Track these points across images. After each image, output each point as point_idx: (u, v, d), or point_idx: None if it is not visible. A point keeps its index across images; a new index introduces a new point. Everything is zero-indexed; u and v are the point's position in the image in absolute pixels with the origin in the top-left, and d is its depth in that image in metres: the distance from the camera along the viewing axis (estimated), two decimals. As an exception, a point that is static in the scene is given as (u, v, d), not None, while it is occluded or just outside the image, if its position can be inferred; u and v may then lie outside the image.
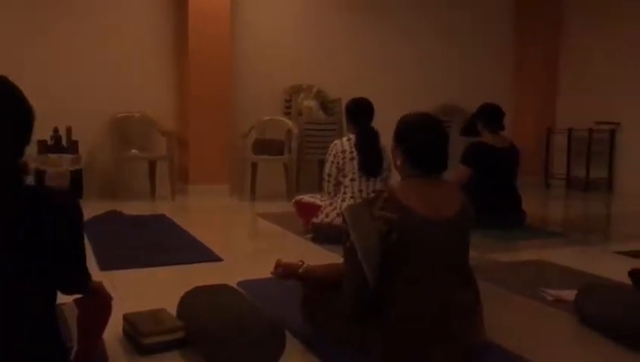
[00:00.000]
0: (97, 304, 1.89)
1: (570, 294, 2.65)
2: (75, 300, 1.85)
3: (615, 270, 3.10)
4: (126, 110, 5.84)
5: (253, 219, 5.15)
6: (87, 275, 1.76)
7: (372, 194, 2.10)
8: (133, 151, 5.77)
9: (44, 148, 5.22)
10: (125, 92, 5.90)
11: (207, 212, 5.40)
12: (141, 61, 6.05)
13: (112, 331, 2.13)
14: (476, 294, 2.11)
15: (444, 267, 2.02)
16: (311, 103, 6.43)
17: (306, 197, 4.23)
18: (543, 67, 7.67)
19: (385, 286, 1.99)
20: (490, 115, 4.61)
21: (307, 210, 4.14)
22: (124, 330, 2.20)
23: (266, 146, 6.00)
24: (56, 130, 5.27)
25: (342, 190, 3.96)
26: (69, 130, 5.38)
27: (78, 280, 1.73)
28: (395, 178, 2.67)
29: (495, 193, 4.45)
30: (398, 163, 2.12)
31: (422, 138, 2.08)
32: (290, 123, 6.18)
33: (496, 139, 4.61)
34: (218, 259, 3.47)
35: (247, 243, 4.29)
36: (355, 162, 3.89)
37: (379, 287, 1.98)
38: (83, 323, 1.80)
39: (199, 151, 6.00)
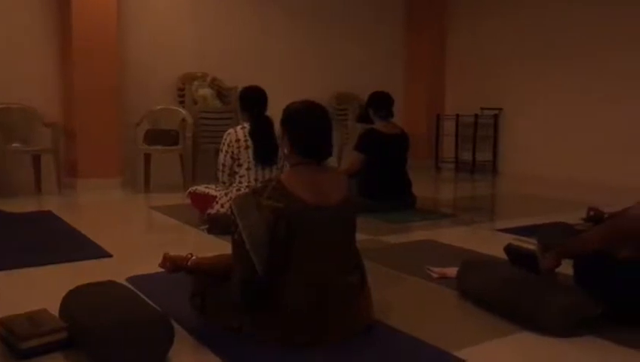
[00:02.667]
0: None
1: (453, 271, 2.80)
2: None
3: (497, 246, 3.31)
4: (5, 101, 5.45)
5: (147, 213, 5.00)
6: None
7: (259, 184, 2.11)
8: (14, 144, 5.40)
9: None
10: (3, 83, 5.49)
11: (98, 207, 5.17)
12: (20, 50, 5.65)
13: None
14: (363, 277, 2.18)
15: (330, 253, 2.08)
16: (206, 92, 6.30)
17: (201, 188, 4.16)
18: (432, 56, 7.99)
19: (274, 273, 2.01)
20: (380, 103, 4.75)
21: (202, 201, 4.07)
22: (0, 335, 2.07)
23: (159, 136, 5.82)
24: None
25: (237, 179, 3.93)
26: (-63, 124, 4.95)
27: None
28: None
29: (387, 178, 4.61)
30: (286, 151, 2.14)
31: (306, 126, 2.11)
32: (184, 112, 6.03)
33: (387, 126, 4.76)
34: (107, 256, 3.34)
35: (140, 238, 4.16)
36: (250, 151, 3.88)
37: (268, 275, 2.00)
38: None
39: (88, 143, 5.72)
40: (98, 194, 5.53)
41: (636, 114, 5.92)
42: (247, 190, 3.74)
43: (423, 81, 7.97)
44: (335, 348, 2.02)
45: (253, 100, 3.96)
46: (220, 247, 3.43)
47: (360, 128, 5.90)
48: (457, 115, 7.74)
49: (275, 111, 4.00)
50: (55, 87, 5.86)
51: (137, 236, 4.19)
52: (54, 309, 2.18)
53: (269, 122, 3.93)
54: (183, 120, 5.97)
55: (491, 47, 7.53)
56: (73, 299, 2.16)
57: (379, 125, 4.76)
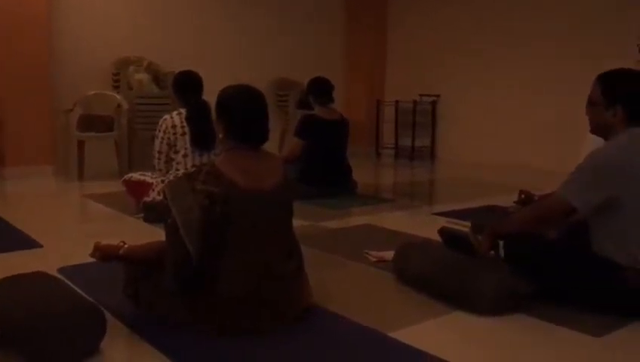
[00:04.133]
0: None
1: (390, 254, 2.84)
2: None
3: (433, 230, 3.37)
4: None
5: (81, 201, 4.83)
6: None
7: (193, 169, 2.06)
8: None
9: None
10: None
11: (27, 196, 4.95)
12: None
13: None
14: (300, 263, 2.18)
15: (266, 238, 2.06)
16: (142, 76, 6.12)
17: (136, 176, 4.05)
18: (373, 43, 8.04)
19: (209, 259, 1.98)
20: (320, 89, 4.75)
21: (137, 189, 3.97)
22: None
23: (93, 123, 5.62)
24: None
25: (174, 166, 3.85)
26: None
27: None
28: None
29: (327, 163, 4.63)
30: (220, 136, 2.10)
31: (241, 110, 2.08)
32: (119, 97, 5.85)
33: (326, 111, 4.76)
34: (37, 246, 3.21)
35: (73, 228, 4.01)
36: (187, 137, 3.79)
37: (204, 260, 1.97)
38: None
39: (15, 130, 5.46)
40: (28, 183, 5.31)
41: (566, 101, 6.16)
42: (179, 175, 3.70)
43: (364, 67, 8.01)
44: (273, 335, 2.01)
45: (188, 85, 3.87)
46: (156, 236, 3.33)
47: (300, 114, 5.89)
48: (397, 102, 7.84)
49: (213, 96, 3.94)
50: (-21, 71, 5.56)
51: (70, 225, 4.04)
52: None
53: (205, 107, 3.85)
54: (118, 105, 5.79)
55: (431, 35, 7.65)
56: (0, 291, 2.06)
57: (319, 111, 4.76)
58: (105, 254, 2.16)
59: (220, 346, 1.94)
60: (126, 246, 2.17)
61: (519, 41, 6.74)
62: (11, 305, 1.93)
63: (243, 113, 2.08)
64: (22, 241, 3.29)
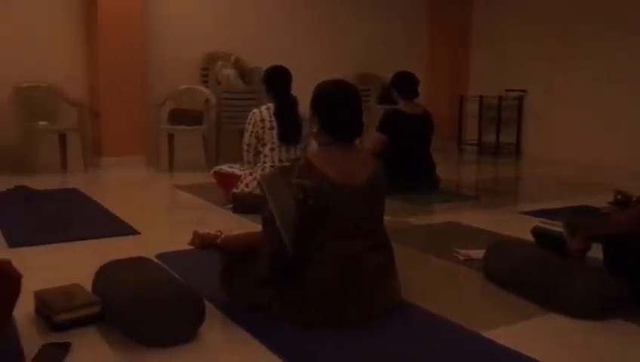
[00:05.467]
0: (2, 282, 1.81)
1: (478, 253, 2.80)
2: (-21, 279, 1.76)
3: (521, 229, 3.30)
4: (32, 80, 5.51)
5: (171, 191, 5.05)
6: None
7: (287, 163, 2.12)
8: (41, 123, 5.47)
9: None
10: (31, 61, 5.55)
11: (123, 185, 5.24)
12: (46, 29, 5.70)
13: (24, 310, 2.06)
14: (390, 257, 2.19)
15: (357, 231, 2.09)
16: (229, 72, 6.31)
17: (225, 168, 4.19)
18: (457, 36, 7.89)
19: (302, 250, 2.03)
20: (404, 83, 4.72)
21: (227, 181, 4.10)
22: (35, 308, 2.12)
23: (182, 116, 5.85)
24: (-48, 102, 4.91)
25: (261, 159, 3.95)
26: (-33, 102, 5.03)
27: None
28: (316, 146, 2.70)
29: (410, 159, 4.59)
30: (315, 130, 2.14)
31: (336, 106, 2.11)
32: (207, 92, 6.05)
33: (410, 106, 4.73)
34: (135, 233, 3.39)
35: (166, 216, 4.21)
36: (275, 131, 3.88)
37: (297, 251, 2.02)
38: (-11, 302, 1.72)
39: (112, 122, 5.77)
40: (122, 172, 5.60)
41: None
42: (275, 169, 3.81)
43: (446, 61, 7.88)
44: (362, 328, 2.04)
45: (277, 80, 3.96)
46: (244, 226, 3.48)
47: (381, 109, 5.88)
48: (481, 97, 7.66)
49: (297, 91, 4.02)
50: (81, 67, 5.92)
51: (163, 214, 4.25)
52: (85, 284, 2.22)
53: (293, 102, 3.93)
54: (207, 100, 5.99)
55: (518, 27, 7.40)
56: (105, 274, 2.21)
57: (402, 105, 4.73)
58: (203, 242, 2.25)
59: (311, 336, 1.99)
60: (223, 235, 2.26)
61: (615, 33, 6.40)
62: (117, 288, 2.06)
63: (337, 108, 2.11)
64: (121, 228, 3.49)
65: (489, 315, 2.27)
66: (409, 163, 4.58)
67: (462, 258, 2.90)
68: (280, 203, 1.99)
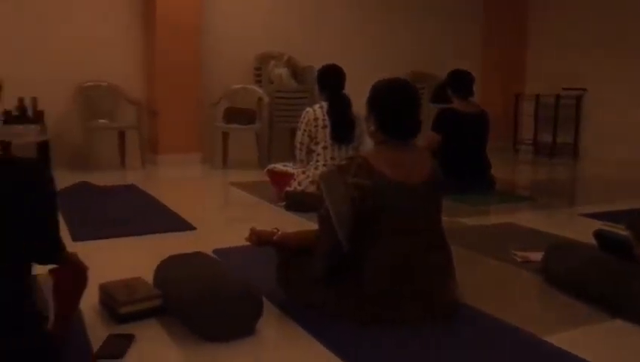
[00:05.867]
0: (72, 274, 1.89)
1: (537, 255, 2.73)
2: (50, 270, 1.84)
3: (580, 232, 3.21)
4: (93, 79, 5.71)
5: (226, 188, 5.14)
6: (61, 246, 1.75)
7: (344, 161, 2.12)
8: (101, 120, 5.67)
9: (8, 119, 5.09)
10: (92, 61, 5.75)
11: (179, 181, 5.36)
12: (108, 29, 5.89)
13: (89, 301, 2.13)
14: (448, 257, 2.17)
15: (413, 230, 2.07)
16: (282, 71, 6.36)
17: (279, 166, 4.24)
18: (512, 33, 7.72)
19: (357, 249, 2.03)
20: (460, 81, 4.65)
21: (280, 179, 4.15)
22: (100, 300, 2.20)
23: (236, 115, 5.94)
24: (21, 101, 5.12)
25: (314, 158, 3.97)
26: (34, 101, 5.24)
27: (52, 251, 1.73)
28: (368, 145, 2.69)
29: (465, 158, 4.52)
30: (371, 129, 2.14)
31: (393, 104, 2.10)
32: (260, 91, 6.12)
33: (466, 105, 4.66)
34: (192, 228, 3.47)
35: (220, 212, 4.29)
36: (328, 130, 3.90)
37: (351, 251, 2.03)
38: (58, 293, 1.79)
39: (169, 120, 5.92)
40: (178, 169, 5.73)
41: None
42: (323, 168, 3.83)
43: (502, 58, 7.71)
44: (418, 327, 2.03)
45: (331, 79, 3.97)
46: (297, 224, 3.51)
47: (435, 108, 5.81)
48: (537, 96, 7.47)
49: (349, 90, 4.02)
50: (139, 66, 6.08)
51: (218, 210, 4.33)
52: (146, 277, 2.29)
53: (346, 101, 3.93)
54: (260, 99, 6.06)
55: (577, 23, 7.18)
56: (166, 268, 2.27)
57: (458, 104, 4.67)
58: (260, 239, 2.28)
59: (367, 335, 1.99)
60: (280, 232, 2.29)
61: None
62: (178, 282, 2.12)
63: (395, 107, 2.10)
64: (178, 223, 3.57)
65: (548, 319, 2.21)
66: (464, 163, 4.51)
67: (519, 260, 2.84)
68: (336, 201, 2.00)
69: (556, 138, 7.25)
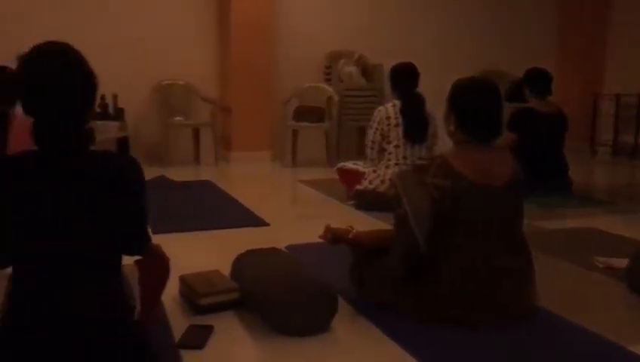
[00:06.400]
0: (157, 265, 1.96)
1: (620, 262, 2.62)
2: (136, 261, 1.91)
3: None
4: (170, 78, 5.91)
5: (295, 186, 5.20)
6: (148, 238, 1.83)
7: (423, 161, 2.11)
8: (177, 118, 5.86)
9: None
10: (169, 60, 5.96)
11: (250, 178, 5.47)
12: (184, 29, 6.09)
13: (168, 292, 2.20)
14: (528, 260, 2.11)
15: (495, 233, 2.03)
16: (352, 69, 6.37)
17: (349, 164, 4.25)
18: (590, 30, 7.40)
19: (435, 250, 2.01)
20: (538, 80, 4.52)
21: (350, 177, 4.15)
22: (180, 291, 2.27)
23: (306, 113, 6.00)
24: (102, 98, 5.37)
25: (386, 157, 3.95)
26: (115, 98, 5.49)
27: (141, 243, 1.80)
28: (443, 145, 2.65)
29: (542, 159, 4.38)
30: (451, 129, 2.11)
31: (474, 104, 2.07)
32: (330, 90, 6.15)
33: (542, 104, 4.52)
34: (265, 224, 3.53)
35: (291, 209, 4.35)
36: (400, 128, 3.87)
37: (429, 252, 2.01)
38: (144, 284, 1.86)
39: (241, 118, 6.05)
40: (249, 166, 5.84)
41: None
42: (395, 167, 3.81)
43: (579, 56, 7.41)
44: (496, 331, 1.98)
45: (404, 77, 3.94)
46: (367, 223, 3.51)
47: (509, 107, 5.64)
48: (617, 95, 7.13)
49: (420, 88, 3.97)
50: (214, 65, 6.25)
51: (289, 207, 4.39)
52: (222, 270, 2.35)
53: (420, 99, 3.89)
54: (330, 97, 6.09)
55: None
56: (243, 262, 2.32)
57: (535, 104, 4.53)
58: (335, 237, 2.29)
59: (443, 336, 1.97)
60: (354, 231, 2.29)
61: None
62: (255, 276, 2.16)
63: (476, 106, 2.06)
64: (252, 219, 3.65)
65: (633, 328, 2.11)
66: (540, 164, 4.36)
67: (602, 266, 2.73)
68: (414, 201, 1.98)
69: (638, 139, 6.89)
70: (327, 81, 6.41)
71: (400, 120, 3.88)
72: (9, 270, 1.61)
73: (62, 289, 1.54)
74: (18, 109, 3.19)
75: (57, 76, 1.56)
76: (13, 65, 1.64)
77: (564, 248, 3.09)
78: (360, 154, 6.32)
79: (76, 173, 1.56)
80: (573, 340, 1.98)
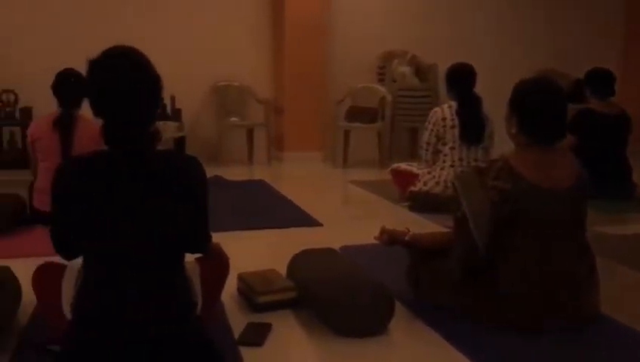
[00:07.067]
0: (217, 263, 2.01)
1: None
2: (197, 259, 1.97)
3: None
4: (226, 79, 6.02)
5: (348, 186, 5.19)
6: (210, 236, 1.87)
7: (484, 163, 2.08)
8: (233, 118, 5.96)
9: (150, 115, 5.49)
10: (225, 61, 6.06)
11: (302, 178, 5.51)
12: (239, 31, 6.18)
13: (226, 290, 2.24)
14: (591, 265, 2.06)
15: (556, 237, 1.99)
16: (405, 69, 6.33)
17: (403, 166, 4.22)
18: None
19: (495, 254, 1.98)
20: (601, 81, 4.38)
21: (404, 178, 4.13)
22: (238, 289, 2.32)
23: (359, 114, 5.99)
24: (161, 99, 5.50)
25: (441, 158, 3.91)
26: (172, 99, 5.63)
27: (203, 242, 1.85)
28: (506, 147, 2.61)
29: (603, 162, 4.23)
30: (513, 131, 2.07)
31: (539, 106, 2.02)
32: (383, 90, 6.12)
33: (604, 105, 4.38)
34: (319, 224, 3.55)
35: (343, 210, 4.35)
36: (456, 130, 3.82)
37: (488, 255, 1.98)
38: (205, 281, 1.91)
39: (294, 118, 6.09)
40: (301, 166, 5.87)
41: None
42: (450, 169, 3.77)
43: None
44: (558, 335, 1.94)
45: (461, 78, 3.88)
46: (420, 224, 3.48)
47: (570, 108, 5.49)
48: (685, 95, 6.83)
49: (476, 88, 3.91)
50: (268, 66, 6.32)
51: (341, 208, 4.40)
52: (279, 270, 2.38)
53: (477, 100, 3.84)
54: (383, 98, 6.07)
55: None
56: (300, 262, 2.35)
57: (596, 105, 4.39)
58: (392, 238, 2.29)
59: (503, 340, 1.94)
60: (411, 232, 2.28)
61: None
62: (312, 276, 2.19)
63: (540, 108, 2.02)
64: (305, 219, 3.68)
65: None
66: (601, 166, 4.21)
67: (668, 274, 2.63)
68: (474, 204, 1.96)
69: None
70: (381, 81, 6.39)
71: (456, 121, 3.83)
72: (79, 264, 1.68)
73: (128, 282, 1.59)
74: (83, 112, 3.33)
75: (126, 79, 1.62)
76: (82, 69, 1.71)
77: (626, 254, 2.99)
78: (412, 155, 6.28)
79: (144, 172, 1.62)
80: (635, 346, 1.92)
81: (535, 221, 1.96)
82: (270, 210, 3.94)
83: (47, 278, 1.83)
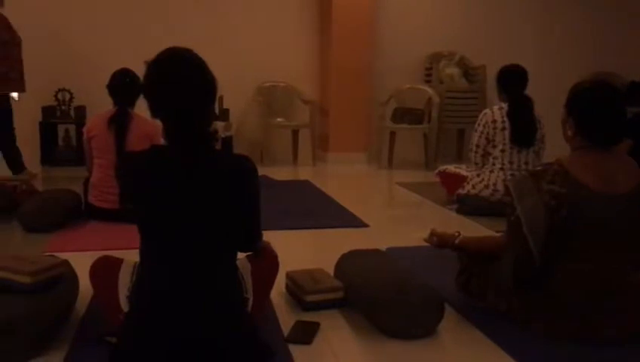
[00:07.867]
0: (267, 261, 2.03)
1: None
2: (248, 256, 2.00)
3: None
4: (272, 80, 6.07)
5: (393, 188, 5.18)
6: (261, 234, 1.90)
7: (539, 167, 2.04)
8: (278, 119, 6.01)
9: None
10: (271, 62, 6.11)
11: (347, 179, 5.51)
12: (286, 32, 6.22)
13: (275, 287, 2.27)
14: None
15: (614, 244, 1.93)
16: (453, 71, 6.25)
17: (451, 168, 4.18)
18: None
19: (549, 260, 1.94)
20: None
21: (452, 181, 4.08)
22: (286, 287, 2.33)
23: (405, 115, 5.96)
24: (209, 99, 5.59)
25: (490, 161, 3.84)
26: (220, 99, 5.71)
27: (255, 240, 1.88)
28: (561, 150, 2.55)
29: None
30: (570, 134, 2.02)
31: (594, 108, 1.98)
32: (430, 91, 6.07)
33: (663, 108, 4.23)
34: (365, 225, 3.55)
35: (389, 211, 4.33)
36: (507, 132, 3.75)
37: (542, 261, 1.94)
38: (256, 278, 1.94)
39: (339, 119, 6.09)
40: (346, 167, 5.87)
41: None
42: (500, 172, 3.71)
43: None
44: (613, 345, 1.89)
45: (513, 79, 3.81)
46: (469, 227, 3.44)
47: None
48: None
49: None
50: (314, 67, 6.35)
51: (387, 209, 4.38)
52: (326, 269, 2.38)
53: (528, 102, 3.76)
54: (429, 99, 6.02)
55: None
56: (348, 262, 2.35)
57: (653, 108, 4.24)
58: (441, 241, 2.27)
59: (553, 347, 1.90)
60: (461, 236, 2.26)
61: None
62: (360, 276, 2.19)
63: (596, 111, 1.97)
64: (352, 220, 3.68)
65: None
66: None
67: None
68: (528, 209, 1.92)
69: None
70: (428, 82, 6.33)
71: (507, 123, 3.76)
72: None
73: (182, 277, 1.63)
74: (136, 110, 3.43)
75: (183, 79, 1.66)
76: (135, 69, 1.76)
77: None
78: (459, 157, 6.20)
79: (201, 169, 1.66)
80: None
81: (593, 227, 1.91)
82: (316, 210, 3.96)
83: (104, 272, 1.88)
